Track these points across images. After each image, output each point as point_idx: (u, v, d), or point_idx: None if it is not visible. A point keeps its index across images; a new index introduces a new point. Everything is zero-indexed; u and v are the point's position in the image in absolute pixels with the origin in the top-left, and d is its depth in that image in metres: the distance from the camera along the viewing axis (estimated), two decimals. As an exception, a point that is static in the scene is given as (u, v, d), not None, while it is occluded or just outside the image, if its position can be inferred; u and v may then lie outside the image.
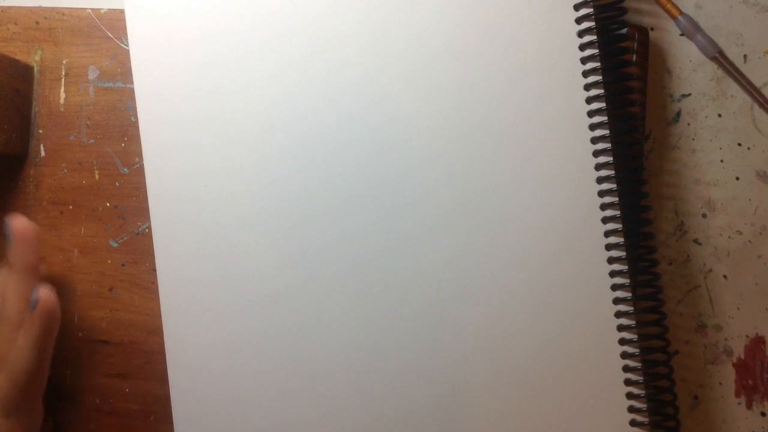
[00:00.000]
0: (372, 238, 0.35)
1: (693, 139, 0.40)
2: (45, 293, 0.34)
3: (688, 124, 0.40)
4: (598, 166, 0.34)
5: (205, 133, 0.36)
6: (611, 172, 0.34)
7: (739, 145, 0.40)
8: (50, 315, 0.34)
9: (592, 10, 0.34)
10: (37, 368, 0.34)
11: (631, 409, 0.34)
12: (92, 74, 0.40)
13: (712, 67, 0.40)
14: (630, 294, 0.34)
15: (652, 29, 0.40)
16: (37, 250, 0.36)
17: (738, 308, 0.40)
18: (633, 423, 0.34)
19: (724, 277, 0.40)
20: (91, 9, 0.40)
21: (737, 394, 0.40)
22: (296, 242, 0.35)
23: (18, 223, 0.35)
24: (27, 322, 0.34)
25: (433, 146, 0.35)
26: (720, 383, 0.40)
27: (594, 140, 0.34)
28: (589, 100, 0.34)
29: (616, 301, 0.34)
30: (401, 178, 0.35)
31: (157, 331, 0.38)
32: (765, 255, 0.40)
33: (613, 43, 0.35)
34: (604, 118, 0.34)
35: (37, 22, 0.40)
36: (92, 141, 0.40)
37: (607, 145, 0.34)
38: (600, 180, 0.34)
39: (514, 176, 0.35)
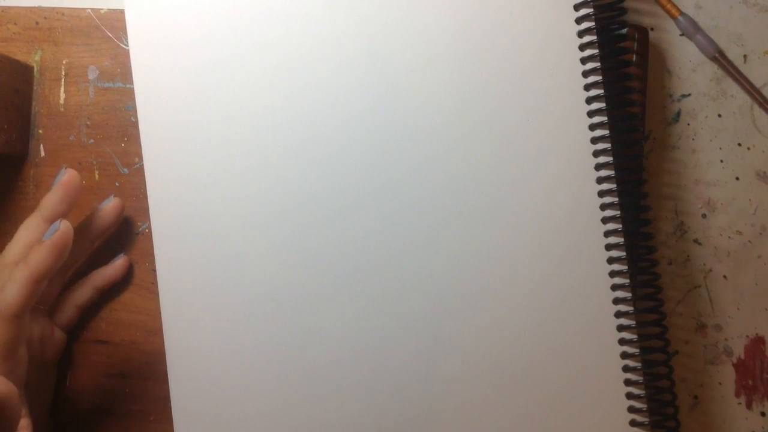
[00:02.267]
0: (372, 239, 0.35)
1: (693, 139, 0.40)
2: (66, 226, 0.33)
3: (688, 124, 0.40)
4: (598, 166, 0.34)
5: (205, 133, 0.36)
6: (611, 172, 0.34)
7: (739, 145, 0.40)
8: (61, 250, 0.33)
9: (592, 10, 0.34)
10: (24, 304, 0.32)
11: (631, 409, 0.34)
12: (92, 74, 0.40)
13: (712, 67, 0.40)
14: (630, 294, 0.34)
15: (652, 29, 0.40)
16: (72, 207, 0.36)
17: (738, 308, 0.40)
18: (633, 423, 0.34)
19: (724, 277, 0.40)
20: (91, 9, 0.40)
21: (737, 394, 0.40)
22: (296, 242, 0.35)
23: (69, 174, 0.36)
24: (32, 251, 0.32)
25: (433, 146, 0.35)
26: (720, 383, 0.40)
27: (594, 140, 0.34)
28: (589, 100, 0.34)
29: (616, 301, 0.34)
30: (401, 178, 0.35)
31: (157, 331, 0.38)
32: (765, 255, 0.40)
33: (613, 43, 0.35)
34: (604, 118, 0.34)
35: (37, 22, 0.40)
36: (92, 141, 0.40)
37: (607, 145, 0.34)
38: (600, 180, 0.34)
39: (514, 176, 0.35)
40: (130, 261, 0.39)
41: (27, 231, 0.35)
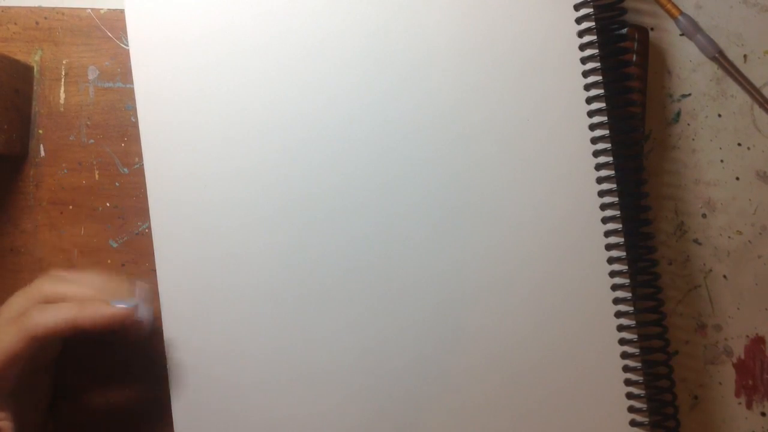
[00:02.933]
0: (371, 239, 0.35)
1: (693, 139, 0.40)
2: (140, 314, 0.33)
3: (688, 124, 0.40)
4: (598, 166, 0.34)
5: (205, 133, 0.36)
6: (611, 172, 0.34)
7: (739, 145, 0.40)
8: (113, 324, 0.32)
9: (592, 10, 0.34)
10: (49, 334, 0.31)
11: (631, 409, 0.34)
12: (92, 74, 0.40)
13: (712, 67, 0.40)
14: (630, 294, 0.34)
15: (652, 29, 0.40)
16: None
17: (738, 308, 0.40)
18: (633, 423, 0.34)
19: (724, 277, 0.40)
20: (91, 9, 0.40)
21: (737, 394, 0.40)
22: (296, 242, 0.35)
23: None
24: (96, 303, 0.32)
25: (433, 147, 0.35)
26: (720, 383, 0.40)
27: (594, 140, 0.34)
28: (589, 100, 0.34)
29: (616, 301, 0.34)
30: (401, 178, 0.35)
31: (157, 331, 0.38)
32: (765, 255, 0.40)
33: (613, 43, 0.35)
34: (604, 118, 0.34)
35: (37, 22, 0.40)
36: (92, 141, 0.40)
37: (607, 145, 0.34)
38: (600, 180, 0.34)
39: (515, 176, 0.35)
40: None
41: (30, 291, 0.33)
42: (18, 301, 0.33)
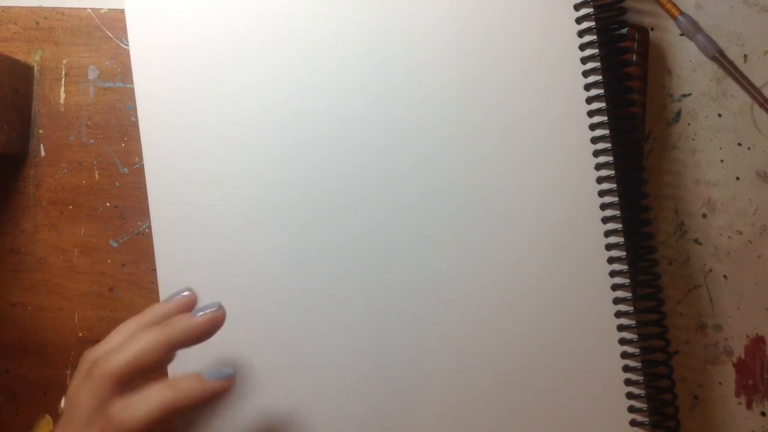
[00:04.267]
0: (371, 238, 0.35)
1: (693, 139, 0.40)
2: (223, 312, 0.30)
3: (688, 124, 0.40)
4: (598, 166, 0.34)
5: (205, 133, 0.36)
6: (611, 172, 0.34)
7: (739, 145, 0.40)
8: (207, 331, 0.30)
9: (592, 10, 0.34)
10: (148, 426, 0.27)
11: (631, 409, 0.34)
12: (92, 74, 0.40)
13: (712, 67, 0.40)
14: (630, 294, 0.34)
15: (652, 29, 0.40)
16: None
17: (738, 308, 0.40)
18: (633, 423, 0.34)
19: (724, 277, 0.40)
20: (91, 9, 0.40)
21: (737, 394, 0.40)
22: (296, 241, 0.35)
23: (190, 297, 0.32)
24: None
25: (433, 146, 0.35)
26: (720, 383, 0.40)
27: (594, 140, 0.34)
28: (589, 100, 0.34)
29: (616, 301, 0.34)
30: (401, 178, 0.35)
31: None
32: (765, 255, 0.40)
33: (613, 43, 0.35)
34: (604, 118, 0.34)
35: (37, 22, 0.40)
36: (92, 141, 0.40)
37: (607, 145, 0.34)
38: (600, 180, 0.34)
39: (515, 176, 0.35)
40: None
41: (124, 333, 0.30)
42: (85, 396, 0.27)
